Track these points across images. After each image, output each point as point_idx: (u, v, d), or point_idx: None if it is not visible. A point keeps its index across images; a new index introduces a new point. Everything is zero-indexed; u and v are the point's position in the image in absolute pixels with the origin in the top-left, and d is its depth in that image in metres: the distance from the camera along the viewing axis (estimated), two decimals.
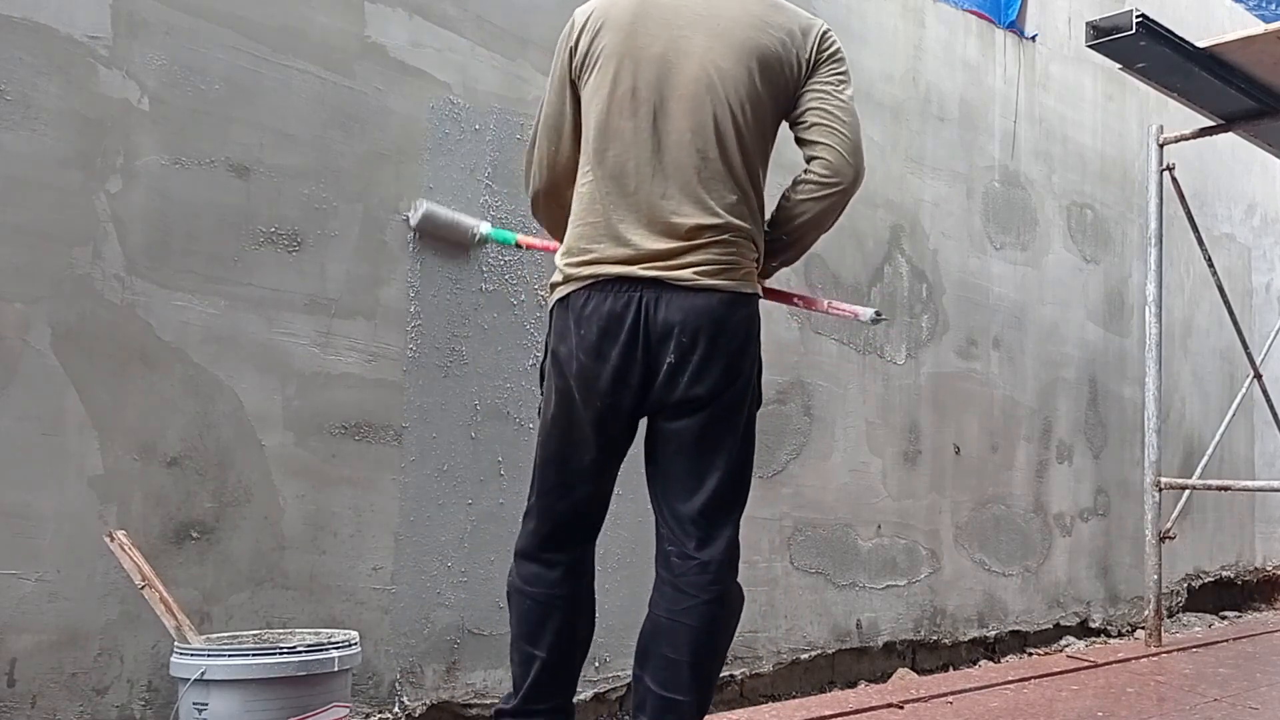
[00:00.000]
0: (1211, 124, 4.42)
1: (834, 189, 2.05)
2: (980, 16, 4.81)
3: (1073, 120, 5.29)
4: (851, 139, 2.04)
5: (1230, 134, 4.53)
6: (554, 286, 2.07)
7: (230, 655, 2.19)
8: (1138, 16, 3.64)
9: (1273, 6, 6.32)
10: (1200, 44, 3.83)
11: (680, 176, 1.97)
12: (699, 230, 1.96)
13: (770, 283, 2.21)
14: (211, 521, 2.57)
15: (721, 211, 1.98)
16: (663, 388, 1.98)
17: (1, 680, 2.27)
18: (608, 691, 3.27)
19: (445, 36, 3.02)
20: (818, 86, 2.05)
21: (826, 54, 2.07)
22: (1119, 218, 5.58)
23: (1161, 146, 4.48)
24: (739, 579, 2.05)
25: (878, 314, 2.23)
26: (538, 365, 2.29)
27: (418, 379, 2.92)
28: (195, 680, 2.14)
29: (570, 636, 2.09)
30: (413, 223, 2.88)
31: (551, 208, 2.20)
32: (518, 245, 2.74)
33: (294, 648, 2.24)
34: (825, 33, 2.08)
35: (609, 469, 2.12)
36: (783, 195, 2.10)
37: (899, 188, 4.37)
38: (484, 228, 2.88)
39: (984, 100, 4.80)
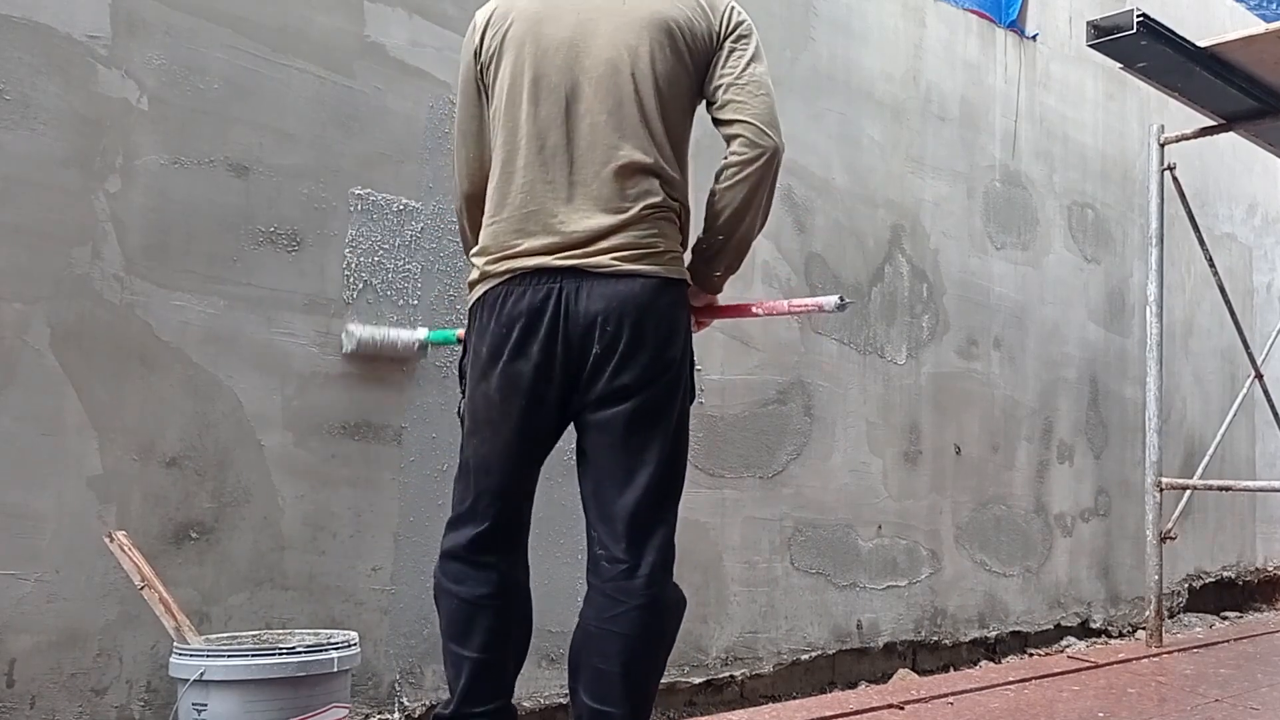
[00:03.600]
0: (1212, 124, 4.41)
1: (756, 162, 1.95)
2: (981, 16, 4.81)
3: (1073, 120, 5.28)
4: (766, 112, 1.97)
5: (1231, 134, 4.52)
6: (471, 285, 2.02)
7: (229, 656, 2.18)
8: (1139, 16, 3.63)
9: (1274, 6, 6.32)
10: (1201, 43, 3.82)
11: (596, 159, 1.92)
12: (617, 212, 1.91)
13: (721, 298, 2.16)
14: (211, 522, 2.57)
15: (642, 186, 1.93)
16: (589, 380, 1.92)
17: (1, 680, 2.26)
18: None
19: (445, 36, 3.01)
20: (729, 63, 1.99)
21: (735, 30, 2.01)
22: (1120, 217, 5.57)
23: (1162, 146, 4.47)
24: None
25: (842, 299, 2.06)
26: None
27: (417, 379, 2.92)
28: (194, 681, 2.14)
29: (502, 638, 2.01)
30: (347, 349, 2.77)
31: (474, 213, 2.13)
32: (458, 341, 2.52)
33: (293, 648, 2.24)
34: (733, 8, 2.04)
35: (535, 469, 2.05)
36: (709, 194, 2.02)
37: (899, 187, 4.37)
38: (421, 334, 2.83)
39: (985, 100, 4.79)
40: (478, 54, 2.05)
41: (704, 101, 2.05)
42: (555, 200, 1.93)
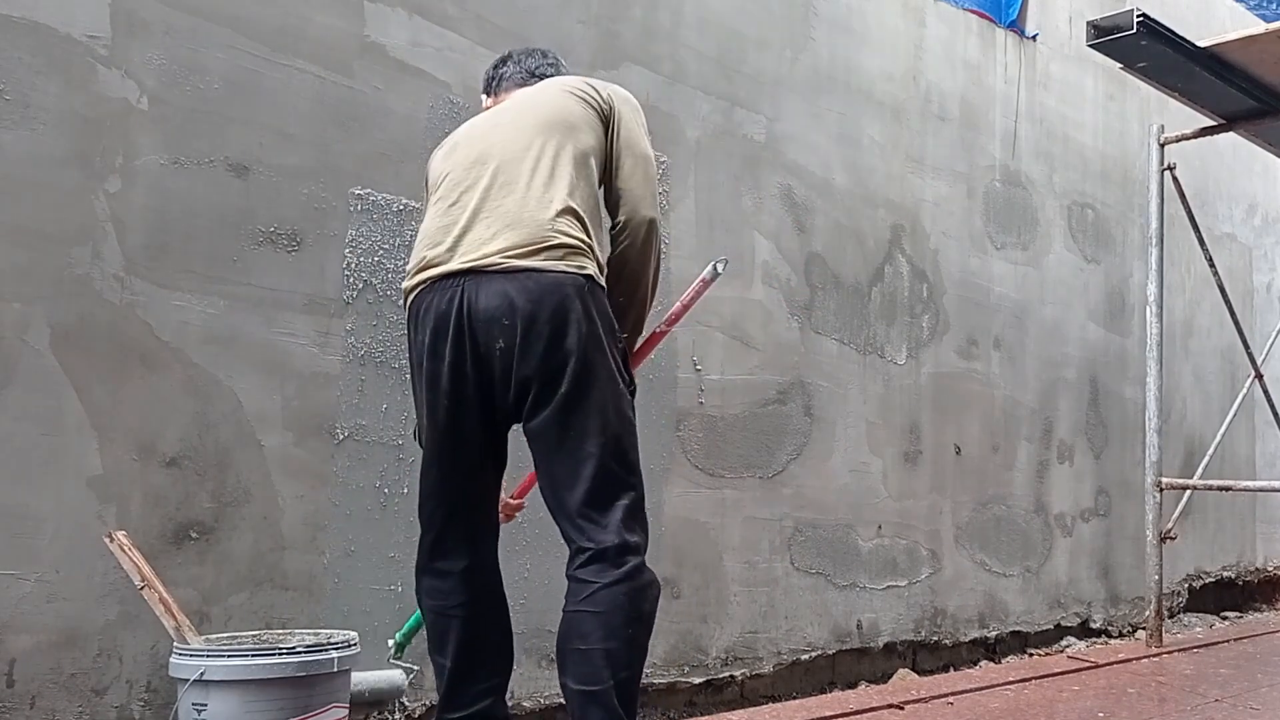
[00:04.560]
0: (1212, 124, 4.42)
1: (638, 230, 2.14)
2: (981, 16, 4.81)
3: (1074, 120, 5.28)
4: (642, 185, 2.16)
5: (1231, 134, 4.52)
6: (404, 306, 2.18)
7: (229, 656, 2.18)
8: (1139, 16, 3.64)
9: (1274, 6, 6.32)
10: (1201, 43, 3.82)
11: (501, 182, 2.08)
12: (511, 215, 2.05)
13: (639, 346, 2.29)
14: (211, 522, 2.56)
15: (537, 196, 2.06)
16: (501, 376, 2.03)
17: (1, 680, 2.26)
18: None
19: (445, 36, 3.01)
20: (620, 136, 2.18)
21: (619, 107, 2.20)
22: (1120, 217, 5.57)
23: (1162, 146, 4.47)
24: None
25: (716, 265, 2.27)
26: None
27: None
28: (194, 681, 2.14)
29: (473, 644, 2.12)
30: None
31: None
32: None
33: (293, 648, 2.24)
34: (615, 91, 2.24)
35: (478, 471, 2.16)
36: (606, 262, 2.17)
37: (899, 187, 4.36)
38: (393, 641, 2.63)
39: (985, 100, 4.79)
40: (427, 179, 2.32)
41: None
42: (462, 218, 2.10)
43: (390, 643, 2.62)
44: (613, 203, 2.18)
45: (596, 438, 2.01)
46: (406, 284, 2.16)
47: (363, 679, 2.63)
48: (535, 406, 2.02)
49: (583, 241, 2.07)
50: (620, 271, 2.16)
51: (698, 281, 2.30)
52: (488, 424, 2.11)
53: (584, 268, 2.05)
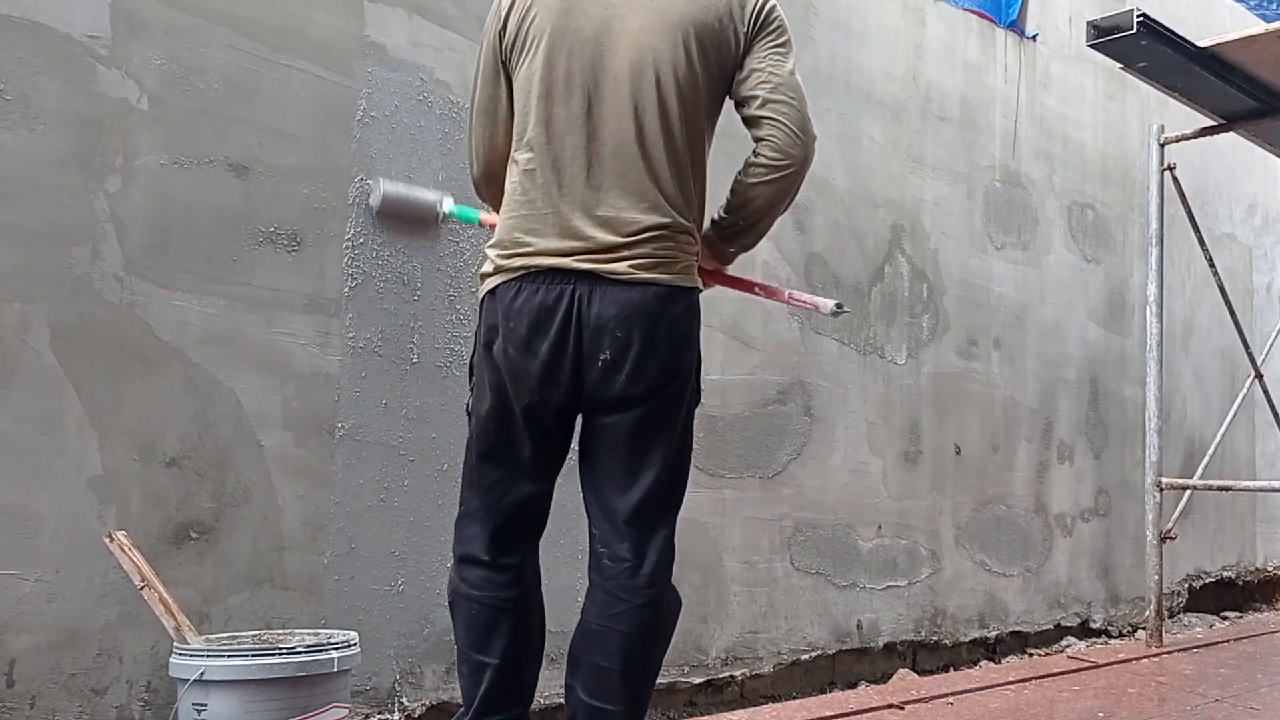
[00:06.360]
0: (1212, 124, 4.41)
1: (784, 171, 1.94)
2: (981, 16, 4.81)
3: (1074, 120, 5.28)
4: (798, 117, 1.93)
5: (1231, 134, 4.52)
6: (484, 277, 1.98)
7: (229, 656, 2.18)
8: (1139, 16, 3.63)
9: (1274, 6, 6.31)
10: (1201, 43, 3.82)
11: (617, 166, 1.89)
12: (636, 223, 1.88)
13: (732, 268, 2.16)
14: (211, 522, 2.57)
15: (660, 204, 1.90)
16: (598, 385, 1.90)
17: (1, 680, 2.26)
18: None
19: (445, 36, 3.01)
20: (759, 62, 1.95)
21: (765, 25, 1.96)
22: (1120, 217, 5.57)
23: (1162, 146, 4.47)
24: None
25: (839, 305, 2.09)
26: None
27: (417, 379, 2.92)
28: (194, 681, 2.14)
29: (523, 641, 2.00)
30: (373, 204, 2.79)
31: (494, 192, 2.13)
32: (481, 224, 2.48)
33: (293, 648, 2.24)
34: (765, 2, 1.98)
35: (548, 466, 2.03)
36: (735, 179, 2.00)
37: (900, 187, 4.36)
38: (447, 205, 2.71)
39: (985, 100, 4.79)
40: (501, 35, 2.01)
41: (733, 99, 2.01)
42: (571, 204, 1.90)
43: (450, 205, 2.63)
44: (757, 128, 1.94)
45: (665, 449, 1.94)
46: (502, 260, 1.93)
47: (411, 191, 2.83)
48: (623, 406, 1.91)
49: (696, 255, 1.99)
50: (750, 201, 1.97)
51: (810, 301, 2.16)
52: (566, 425, 2.01)
53: (695, 282, 1.98)
